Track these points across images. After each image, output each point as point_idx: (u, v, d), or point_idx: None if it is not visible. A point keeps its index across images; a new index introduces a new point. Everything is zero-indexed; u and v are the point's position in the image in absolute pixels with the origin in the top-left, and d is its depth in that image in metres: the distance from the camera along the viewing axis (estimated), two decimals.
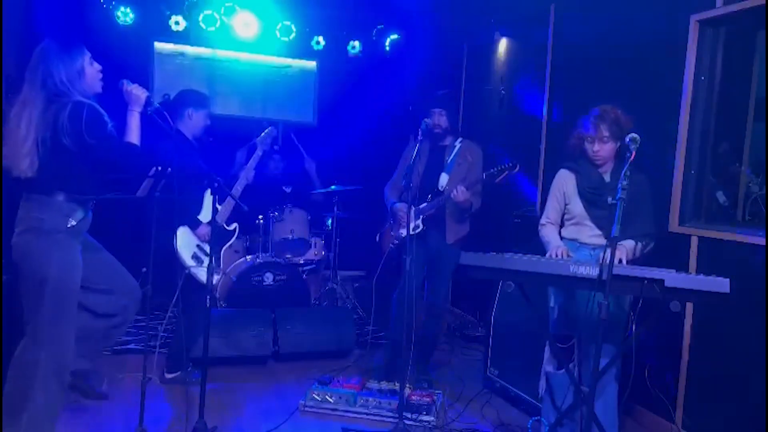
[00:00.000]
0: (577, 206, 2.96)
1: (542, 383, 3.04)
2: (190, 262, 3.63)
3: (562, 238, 3.03)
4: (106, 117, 2.64)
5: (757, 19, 3.00)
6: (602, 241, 2.85)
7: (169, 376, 3.75)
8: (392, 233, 3.99)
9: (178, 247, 3.62)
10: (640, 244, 2.82)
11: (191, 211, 3.70)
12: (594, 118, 2.87)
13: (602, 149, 2.87)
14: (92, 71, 2.74)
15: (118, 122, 2.76)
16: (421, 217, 3.80)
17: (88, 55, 2.73)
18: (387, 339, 4.17)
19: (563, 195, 3.03)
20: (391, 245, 3.99)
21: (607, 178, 2.93)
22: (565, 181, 3.03)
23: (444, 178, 3.83)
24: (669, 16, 3.39)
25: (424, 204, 3.81)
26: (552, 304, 2.98)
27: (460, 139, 3.94)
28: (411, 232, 3.38)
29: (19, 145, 2.54)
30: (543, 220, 3.11)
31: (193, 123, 3.74)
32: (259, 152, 4.04)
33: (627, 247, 2.77)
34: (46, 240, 2.59)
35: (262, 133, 4.11)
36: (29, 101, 2.58)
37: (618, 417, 2.88)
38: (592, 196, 2.91)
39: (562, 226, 3.08)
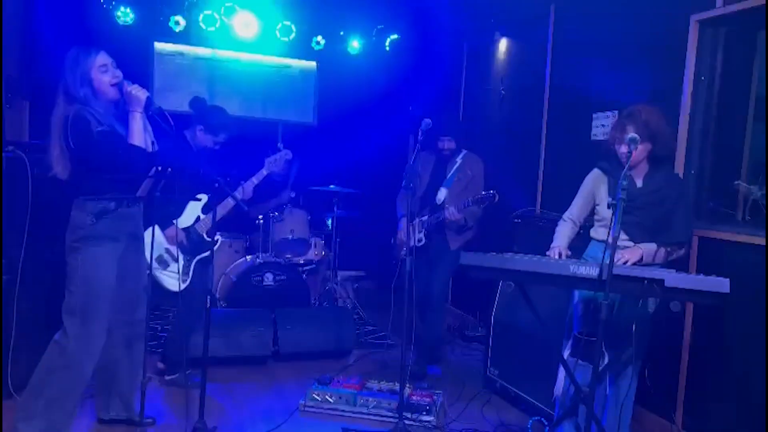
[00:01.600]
0: (606, 210, 2.83)
1: (558, 385, 2.99)
2: (153, 263, 3.44)
3: (591, 238, 2.95)
4: (92, 123, 2.62)
5: (757, 19, 3.00)
6: (631, 246, 2.75)
7: (168, 377, 3.74)
8: (402, 245, 4.13)
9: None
10: (663, 250, 2.73)
11: (167, 211, 3.49)
12: (622, 118, 2.75)
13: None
14: (103, 78, 2.71)
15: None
16: (423, 230, 3.97)
17: (99, 61, 2.70)
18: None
19: (593, 195, 2.94)
20: (401, 253, 4.10)
21: (639, 182, 2.80)
22: (596, 182, 2.93)
23: (442, 193, 4.03)
24: (669, 16, 3.39)
25: (426, 217, 4.00)
26: (576, 300, 2.91)
27: (463, 153, 4.10)
28: (415, 244, 3.45)
29: (51, 150, 2.67)
30: (565, 216, 3.02)
31: (198, 139, 3.64)
32: (264, 171, 3.69)
33: (645, 249, 2.69)
34: (74, 237, 2.73)
35: (276, 155, 3.75)
36: (55, 107, 2.68)
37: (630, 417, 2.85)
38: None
39: (591, 225, 2.99)
